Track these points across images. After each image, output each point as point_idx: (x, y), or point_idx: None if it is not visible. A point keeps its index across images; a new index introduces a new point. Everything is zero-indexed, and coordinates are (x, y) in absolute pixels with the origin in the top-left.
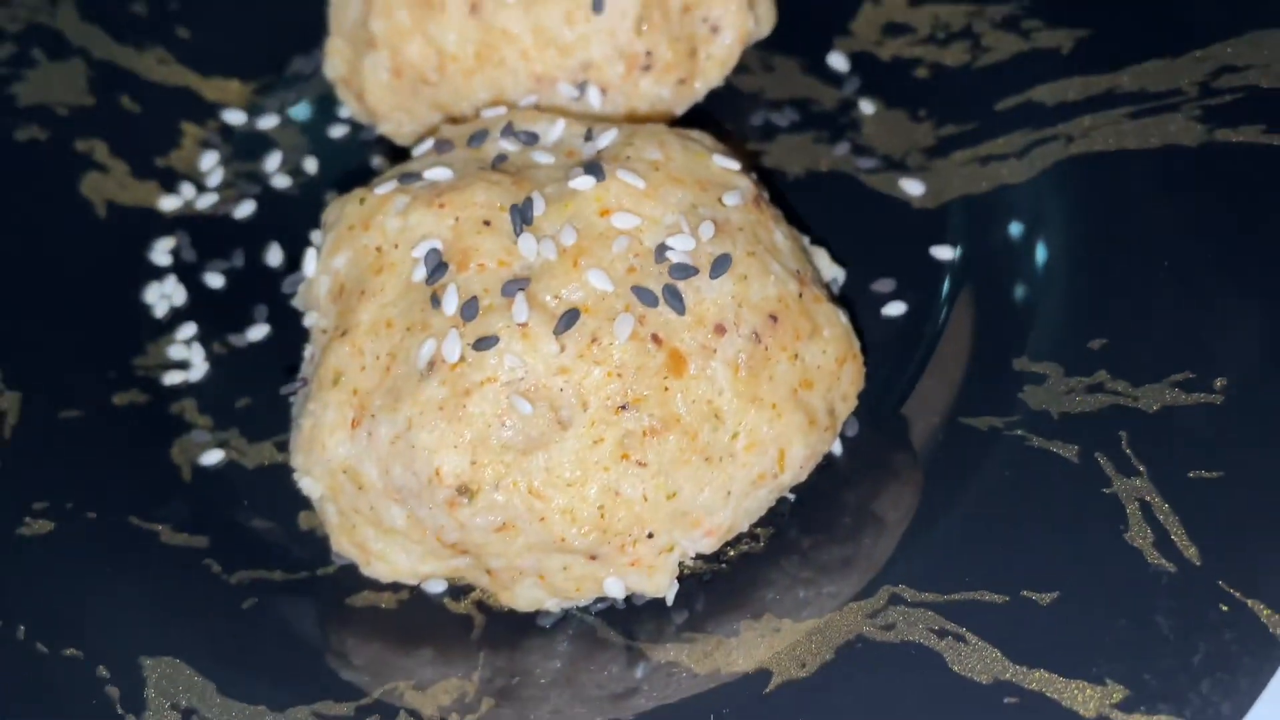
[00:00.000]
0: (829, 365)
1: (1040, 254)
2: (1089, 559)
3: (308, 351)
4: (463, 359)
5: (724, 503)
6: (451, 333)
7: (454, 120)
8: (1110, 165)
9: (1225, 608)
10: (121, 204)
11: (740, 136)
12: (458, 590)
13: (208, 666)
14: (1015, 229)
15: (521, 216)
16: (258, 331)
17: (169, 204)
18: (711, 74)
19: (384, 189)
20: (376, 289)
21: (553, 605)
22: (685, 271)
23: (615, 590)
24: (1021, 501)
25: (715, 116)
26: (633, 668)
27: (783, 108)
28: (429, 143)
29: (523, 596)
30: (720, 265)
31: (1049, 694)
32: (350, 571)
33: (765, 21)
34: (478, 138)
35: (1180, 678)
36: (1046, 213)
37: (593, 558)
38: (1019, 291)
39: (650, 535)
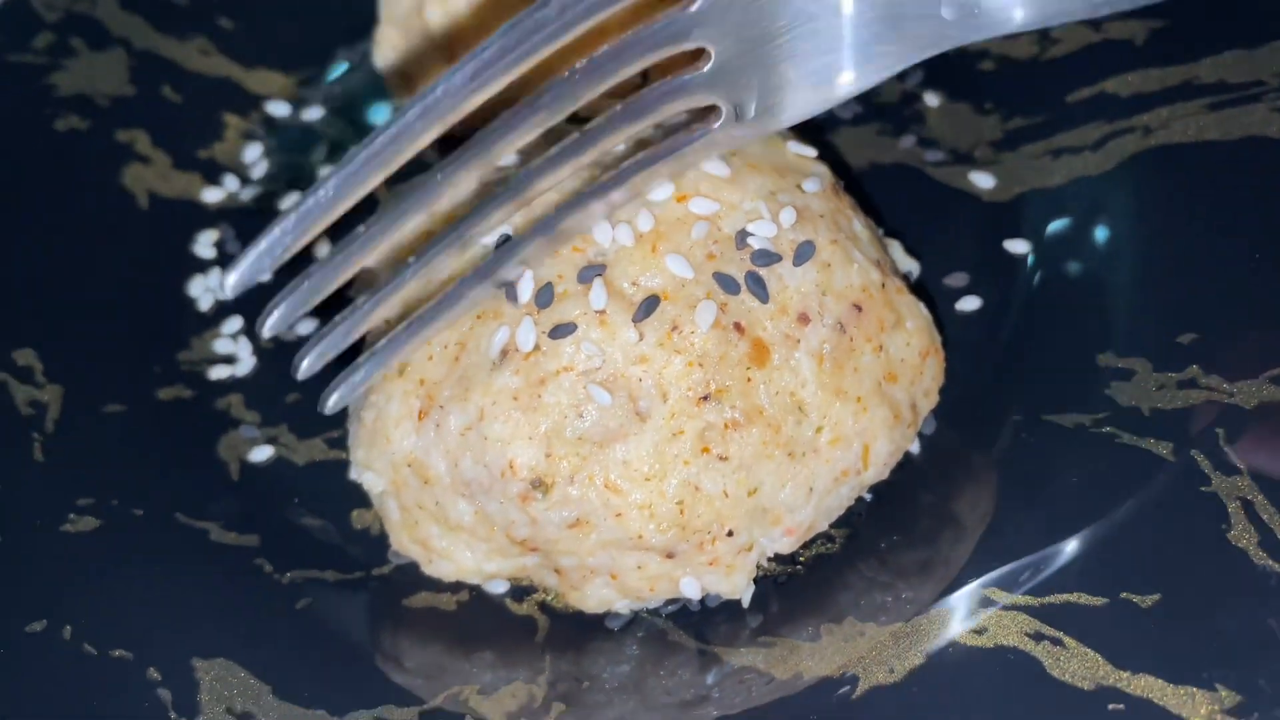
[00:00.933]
0: (912, 358)
1: (1120, 247)
2: (1191, 560)
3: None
4: (538, 347)
5: (806, 500)
6: (525, 320)
7: None
8: (1191, 157)
9: None
10: (164, 195)
11: (802, 128)
12: (520, 591)
13: (262, 669)
14: (1092, 222)
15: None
16: (306, 325)
17: (212, 196)
18: None
19: None
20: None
21: (622, 606)
22: (768, 258)
23: (691, 591)
24: (1115, 500)
25: None
26: (705, 672)
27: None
28: None
29: (592, 597)
30: (804, 252)
31: (1156, 700)
32: (407, 572)
33: None
34: None
35: None
36: (1124, 205)
37: (669, 556)
38: (1099, 286)
39: (730, 533)
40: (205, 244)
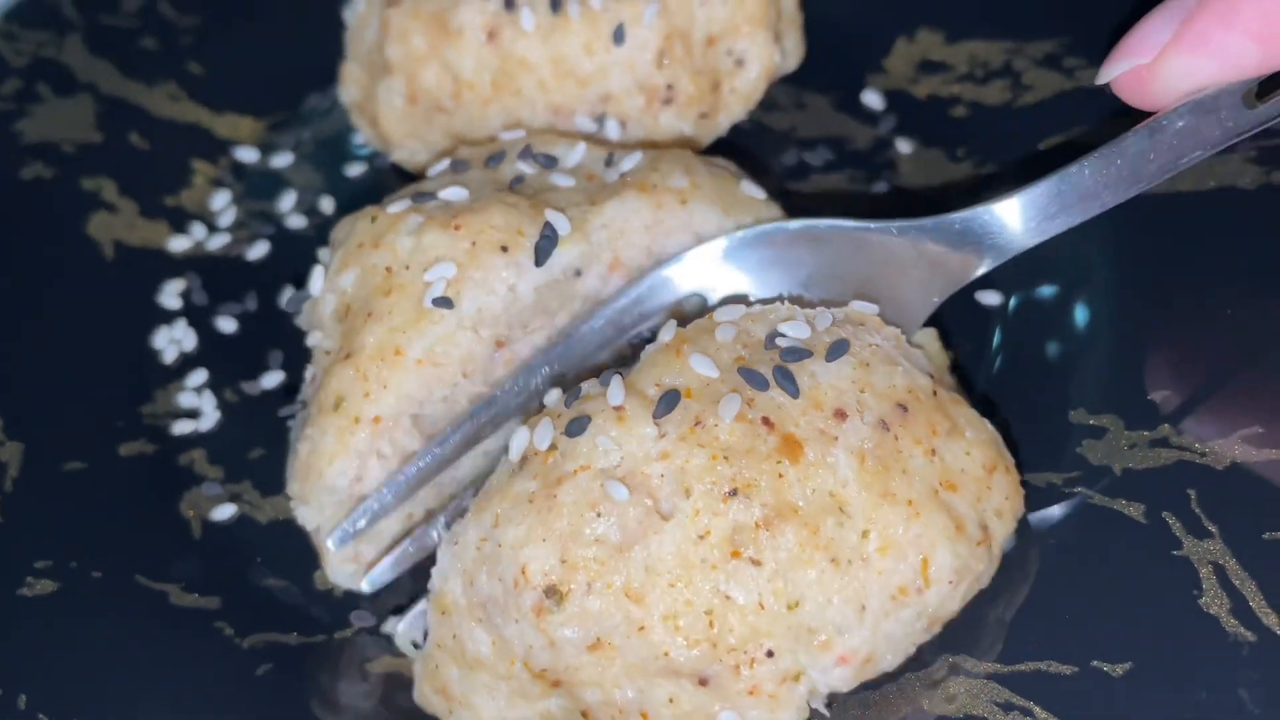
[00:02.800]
0: (974, 470)
1: (1092, 301)
2: (1162, 627)
3: (309, 373)
4: (554, 447)
5: (858, 620)
6: (545, 421)
7: None
8: (1164, 208)
9: None
10: (130, 244)
11: (773, 175)
12: None
13: None
14: (1065, 274)
15: (541, 249)
16: (272, 379)
17: (179, 245)
18: (735, 108)
19: (396, 207)
20: (384, 311)
21: None
22: (797, 355)
23: None
24: (1086, 564)
25: (747, 154)
26: None
27: (816, 146)
28: (445, 163)
29: None
30: (838, 348)
31: None
32: (370, 635)
33: (792, 56)
34: (495, 159)
35: None
36: (1097, 257)
37: (703, 682)
38: (1071, 340)
39: (770, 653)
40: (171, 294)
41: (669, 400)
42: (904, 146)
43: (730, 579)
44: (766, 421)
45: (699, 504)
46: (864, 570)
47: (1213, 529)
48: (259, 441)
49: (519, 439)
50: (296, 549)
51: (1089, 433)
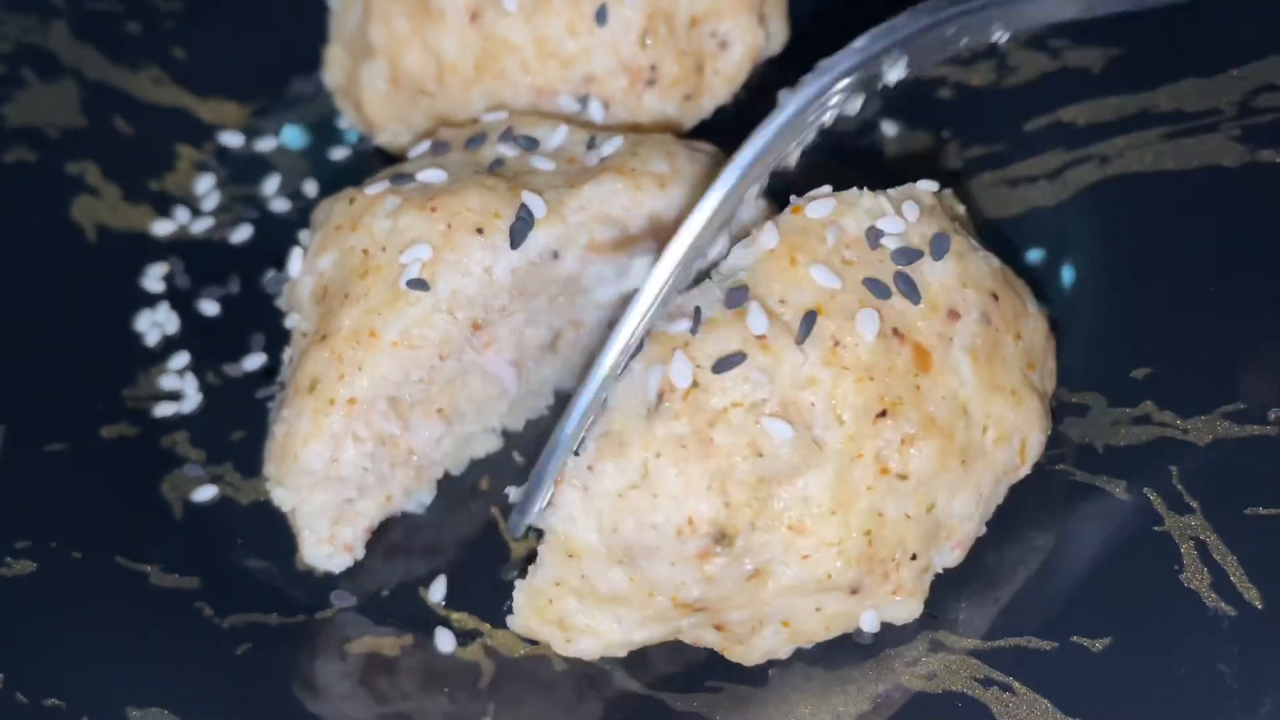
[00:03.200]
0: (1040, 341)
1: (1074, 278)
2: (1143, 602)
3: (286, 355)
4: (696, 384)
5: (975, 509)
6: (677, 354)
7: None
8: (1148, 187)
9: None
10: (113, 228)
11: None
12: (465, 636)
13: (199, 718)
14: (1048, 253)
15: (517, 232)
16: (254, 361)
17: (162, 228)
18: (719, 90)
19: (375, 189)
20: (361, 293)
21: (785, 652)
22: (909, 256)
23: (870, 624)
24: (1067, 540)
25: (731, 137)
26: (652, 718)
27: None
28: (425, 144)
29: (759, 649)
30: (939, 244)
31: None
32: (350, 616)
33: (777, 37)
34: (475, 141)
35: None
36: (1081, 236)
37: (854, 591)
38: (1055, 318)
39: (914, 557)
40: (154, 277)
41: (808, 322)
42: (889, 128)
43: (884, 497)
44: (897, 333)
45: (852, 429)
46: (983, 463)
47: (1194, 505)
48: (241, 423)
49: (650, 376)
50: (277, 530)
51: (1071, 410)
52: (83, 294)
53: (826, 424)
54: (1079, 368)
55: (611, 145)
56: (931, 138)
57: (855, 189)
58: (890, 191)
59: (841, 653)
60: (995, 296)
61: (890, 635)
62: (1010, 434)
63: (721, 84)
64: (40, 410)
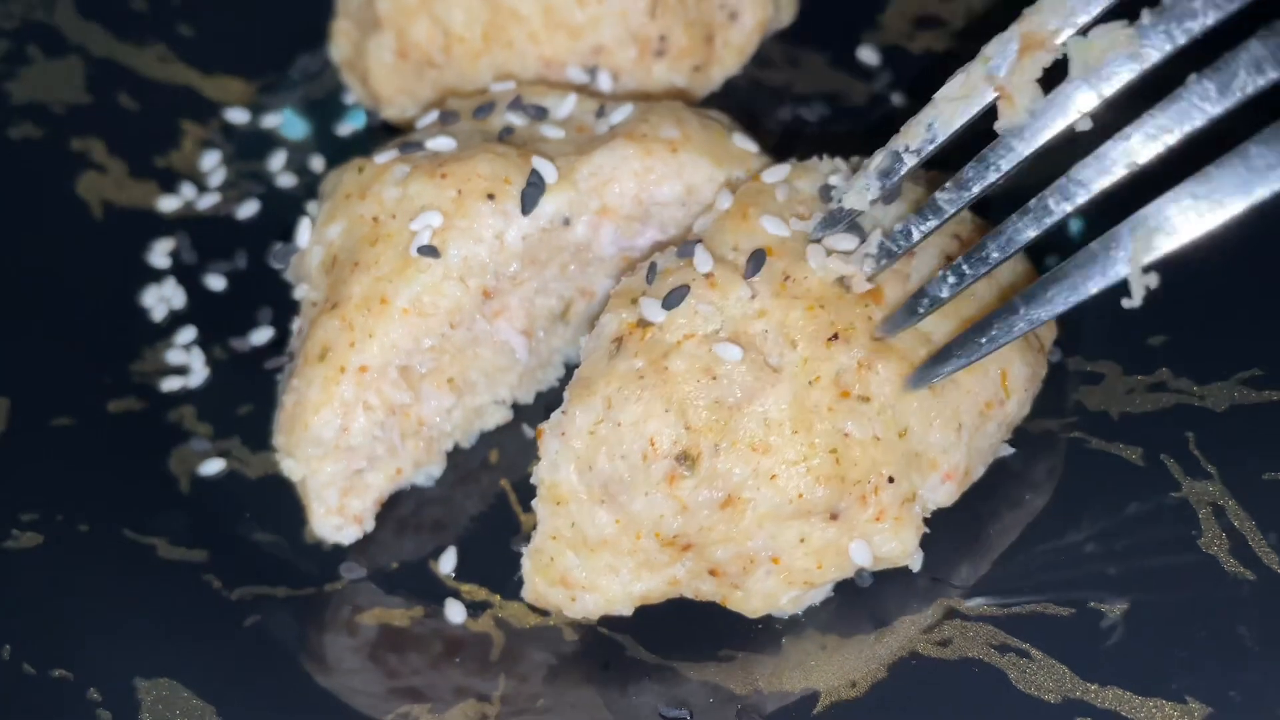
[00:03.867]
0: (1020, 282)
1: (1083, 228)
2: (1161, 568)
3: (295, 325)
4: (648, 322)
5: (957, 439)
6: (632, 302)
7: None
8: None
9: None
10: (119, 204)
11: (768, 131)
12: (476, 607)
13: (207, 689)
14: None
15: (528, 197)
16: (261, 335)
17: (168, 204)
18: (729, 61)
19: (384, 157)
20: (371, 261)
21: (789, 601)
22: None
23: (863, 557)
24: (1083, 507)
25: (742, 111)
26: (662, 688)
27: (811, 102)
28: (433, 114)
29: (756, 592)
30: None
31: (1124, 713)
32: (359, 588)
33: (786, 10)
34: (484, 110)
35: (1269, 693)
36: (1096, 203)
37: (833, 517)
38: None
39: (890, 479)
40: (160, 253)
41: (756, 260)
42: (899, 102)
43: (847, 418)
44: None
45: (805, 352)
46: (956, 392)
47: (1211, 470)
48: (248, 398)
49: (608, 324)
50: (285, 503)
51: (1086, 379)
52: (89, 270)
53: (780, 350)
54: (1093, 335)
55: (621, 113)
56: None
57: (815, 157)
58: (851, 159)
59: (855, 619)
60: (957, 238)
61: (904, 602)
62: (984, 364)
63: (731, 55)
64: (47, 385)
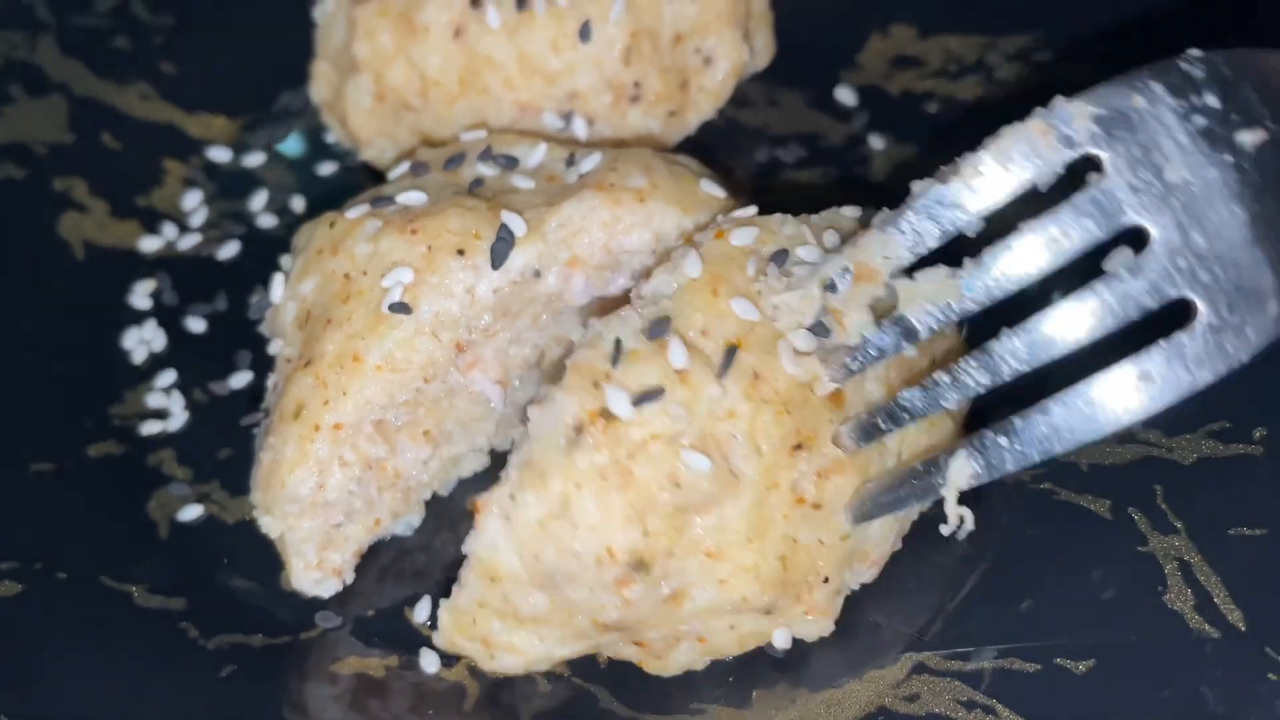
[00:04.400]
0: (953, 350)
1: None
2: (1127, 624)
3: (271, 381)
4: (616, 416)
5: (892, 529)
6: (597, 386)
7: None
8: None
9: (1274, 677)
10: (101, 245)
11: (745, 172)
12: (449, 658)
13: None
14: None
15: (498, 252)
16: (241, 379)
17: (150, 245)
18: (704, 106)
19: (355, 212)
20: (343, 318)
21: (701, 665)
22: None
23: (782, 641)
24: (1051, 561)
25: (718, 152)
26: None
27: (788, 143)
28: (405, 165)
29: (675, 663)
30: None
31: None
32: (335, 636)
33: (762, 54)
34: (454, 161)
35: None
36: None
37: (768, 612)
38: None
39: (826, 580)
40: (141, 294)
41: (729, 357)
42: (877, 143)
43: (798, 525)
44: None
45: (770, 460)
46: None
47: (1178, 525)
48: (227, 442)
49: (566, 405)
50: (264, 548)
51: None
52: (70, 311)
53: (745, 454)
54: (1063, 387)
55: (590, 161)
56: (919, 151)
57: (779, 214)
58: (814, 218)
59: (827, 674)
60: (930, 355)
61: (874, 656)
62: (922, 450)
63: (706, 100)
64: (26, 428)
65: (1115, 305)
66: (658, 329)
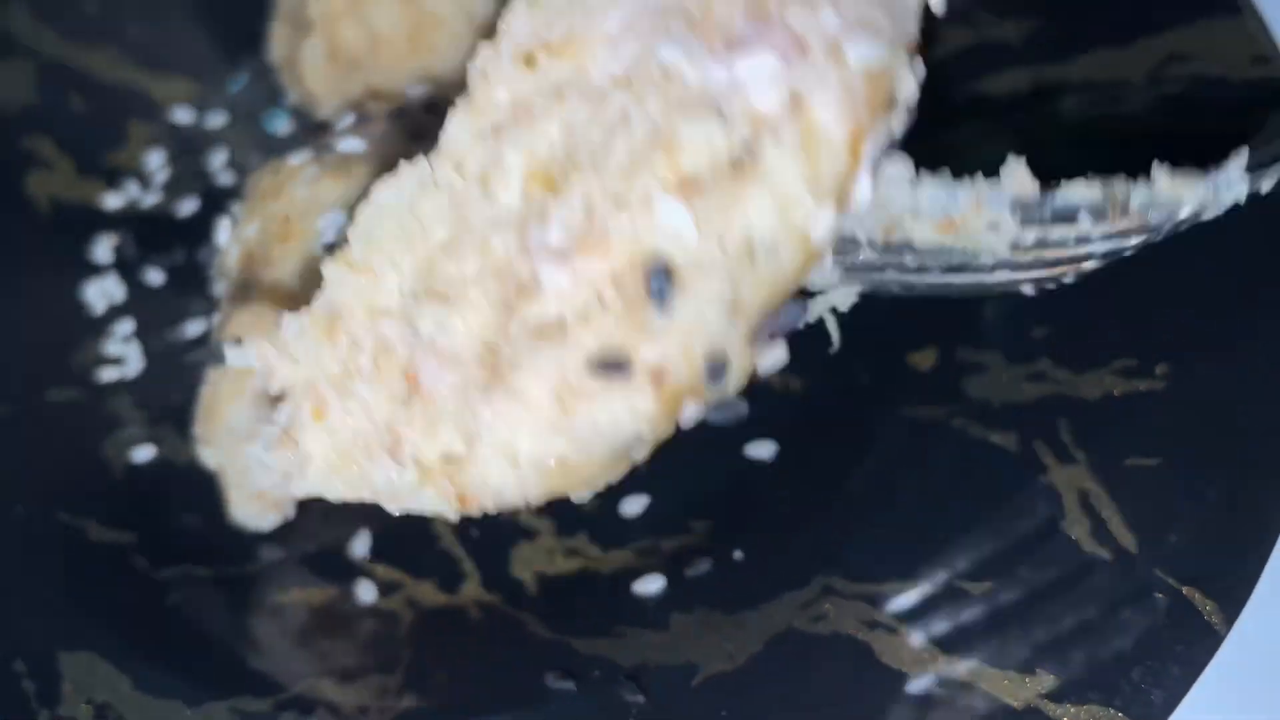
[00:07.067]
0: None
1: None
2: (1024, 549)
3: (214, 320)
4: None
5: None
6: None
7: None
8: (1061, 156)
9: (1161, 595)
10: (65, 201)
11: None
12: (387, 588)
13: (126, 662)
14: None
15: None
16: (196, 327)
17: (113, 201)
18: None
19: (298, 159)
20: (279, 257)
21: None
22: None
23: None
24: (959, 492)
25: None
26: (558, 662)
27: None
28: (351, 116)
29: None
30: None
31: (979, 685)
32: (279, 568)
33: None
34: (399, 113)
35: (1111, 666)
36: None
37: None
38: None
39: None
40: (103, 248)
41: None
42: None
43: None
44: None
45: None
46: None
47: (1079, 456)
48: (180, 388)
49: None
50: (211, 488)
51: (971, 369)
52: (34, 264)
53: None
54: (981, 326)
55: None
56: None
57: None
58: None
59: (742, 597)
60: None
61: (787, 578)
62: None
63: None
64: None
65: None
66: None
